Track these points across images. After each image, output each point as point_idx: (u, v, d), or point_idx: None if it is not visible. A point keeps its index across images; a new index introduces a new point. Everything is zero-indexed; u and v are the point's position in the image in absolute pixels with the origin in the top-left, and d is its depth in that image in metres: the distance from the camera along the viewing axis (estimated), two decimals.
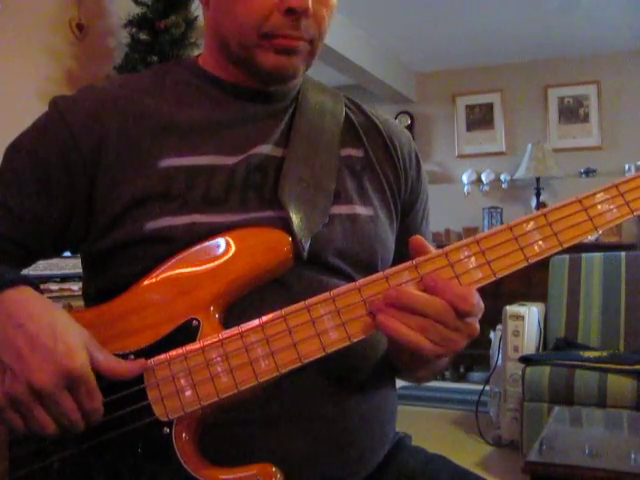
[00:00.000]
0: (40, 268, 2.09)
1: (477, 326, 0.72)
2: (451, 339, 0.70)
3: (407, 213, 0.95)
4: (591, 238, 4.09)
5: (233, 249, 0.76)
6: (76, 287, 2.12)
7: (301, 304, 0.71)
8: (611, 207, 0.71)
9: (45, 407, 0.67)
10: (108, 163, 0.81)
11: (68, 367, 0.67)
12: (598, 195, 0.72)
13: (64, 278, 2.18)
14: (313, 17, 0.81)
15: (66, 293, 2.12)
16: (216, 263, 0.76)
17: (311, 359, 0.70)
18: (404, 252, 0.85)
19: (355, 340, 0.70)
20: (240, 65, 0.85)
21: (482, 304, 0.72)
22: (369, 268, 0.84)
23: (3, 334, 0.69)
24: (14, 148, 0.85)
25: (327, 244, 0.82)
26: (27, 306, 0.71)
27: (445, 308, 0.69)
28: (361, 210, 0.87)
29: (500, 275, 0.71)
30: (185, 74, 0.89)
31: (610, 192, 0.72)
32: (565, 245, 0.71)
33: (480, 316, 0.73)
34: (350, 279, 0.82)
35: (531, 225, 0.71)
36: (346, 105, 0.95)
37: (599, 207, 0.71)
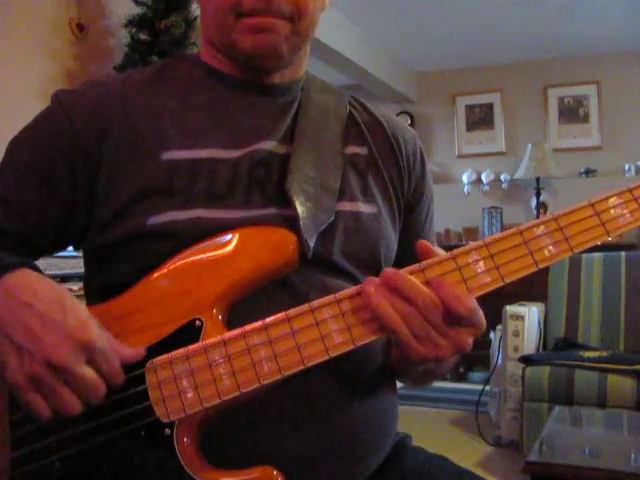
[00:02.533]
0: (40, 268, 2.08)
1: (469, 341, 0.70)
2: (435, 342, 0.69)
3: (411, 211, 0.95)
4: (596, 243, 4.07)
5: (237, 248, 0.76)
6: (76, 287, 2.12)
7: (305, 306, 0.70)
8: (624, 212, 0.70)
9: (67, 383, 0.67)
10: (110, 157, 0.81)
11: (83, 339, 0.67)
12: (611, 199, 0.70)
13: (64, 278, 2.17)
14: None
15: None
16: (220, 262, 0.75)
17: (314, 362, 0.69)
18: (407, 251, 0.85)
19: (359, 344, 0.70)
20: (226, 54, 0.87)
21: (483, 322, 0.70)
22: (372, 266, 0.83)
23: (12, 316, 0.68)
24: (15, 143, 0.85)
25: (331, 243, 0.82)
26: (31, 286, 0.70)
27: (434, 303, 0.68)
28: (364, 208, 0.87)
29: (509, 280, 0.70)
30: (187, 68, 0.90)
31: (623, 196, 0.70)
32: (576, 250, 0.70)
33: (476, 334, 0.71)
34: (353, 278, 0.82)
35: (541, 229, 0.70)
36: (350, 103, 0.95)
37: (612, 212, 0.70)
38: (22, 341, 0.67)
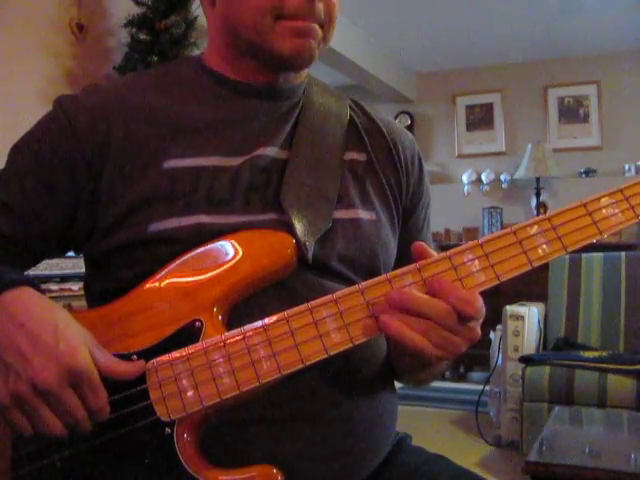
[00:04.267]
0: (40, 268, 2.09)
1: (479, 331, 0.72)
2: (453, 342, 0.70)
3: (409, 216, 0.95)
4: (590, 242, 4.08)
5: (237, 251, 0.76)
6: (76, 287, 2.12)
7: (304, 306, 0.71)
8: (616, 211, 0.71)
9: (50, 406, 0.67)
10: (112, 163, 0.81)
11: (70, 365, 0.67)
12: (603, 199, 0.71)
13: (64, 278, 2.18)
14: (324, 1, 0.83)
15: (66, 293, 2.12)
16: (220, 265, 0.76)
17: (313, 361, 0.70)
18: (405, 256, 0.85)
19: (357, 343, 0.70)
20: (254, 56, 0.85)
21: (484, 309, 0.71)
22: (371, 272, 0.83)
23: (5, 335, 0.69)
24: (17, 149, 0.85)
25: (330, 249, 0.82)
26: (28, 306, 0.71)
27: (448, 311, 0.68)
28: (363, 214, 0.87)
29: (504, 279, 0.71)
30: (190, 72, 0.89)
31: (615, 196, 0.71)
32: (569, 249, 0.71)
33: (482, 320, 0.72)
34: (352, 282, 0.82)
35: (535, 229, 0.71)
36: (350, 107, 0.95)
37: (604, 211, 0.71)
38: (10, 360, 0.68)
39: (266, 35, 0.82)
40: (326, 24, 0.84)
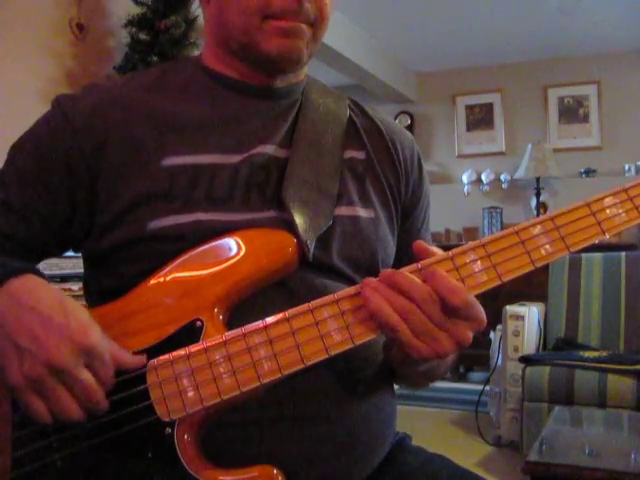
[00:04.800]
0: (40, 268, 2.08)
1: (468, 335, 0.70)
2: (433, 335, 0.68)
3: (408, 216, 0.95)
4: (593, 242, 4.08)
5: (238, 250, 0.76)
6: (76, 287, 2.12)
7: (305, 306, 0.71)
8: (620, 211, 0.71)
9: (67, 386, 0.68)
10: (111, 161, 0.81)
11: (84, 342, 0.67)
12: (607, 199, 0.71)
13: (64, 278, 2.17)
14: (314, 0, 0.82)
15: (66, 293, 2.11)
16: (221, 264, 0.76)
17: (314, 361, 0.70)
18: (404, 256, 0.86)
19: (358, 343, 0.70)
20: (243, 56, 0.85)
21: (483, 317, 0.70)
22: (370, 270, 0.83)
23: (15, 319, 0.69)
24: (16, 148, 0.85)
25: (329, 247, 0.82)
26: (35, 290, 0.71)
27: (431, 297, 0.68)
28: (362, 212, 0.87)
29: (506, 279, 0.70)
30: (188, 71, 0.89)
31: (619, 196, 0.71)
32: (572, 249, 0.70)
33: (476, 329, 0.70)
34: (352, 281, 0.83)
35: (538, 229, 0.71)
36: (349, 107, 0.95)
37: (607, 211, 0.71)
38: (24, 343, 0.68)
39: (253, 35, 0.81)
40: (317, 23, 0.84)
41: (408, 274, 0.69)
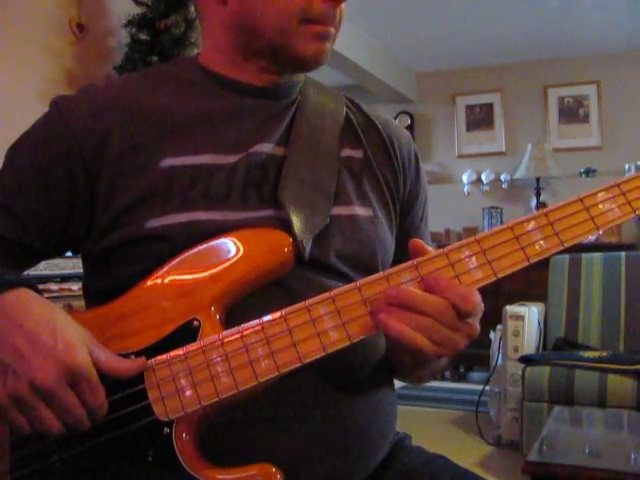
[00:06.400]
0: (40, 268, 2.09)
1: (477, 327, 0.72)
2: (451, 339, 0.70)
3: (406, 214, 0.95)
4: (591, 238, 4.09)
5: (234, 250, 0.76)
6: (76, 287, 2.12)
7: (301, 304, 0.71)
8: (613, 206, 0.71)
9: (49, 405, 0.68)
10: (109, 163, 0.81)
11: (69, 364, 0.67)
12: (600, 194, 0.71)
13: (64, 278, 2.17)
14: (339, 7, 0.84)
15: (66, 293, 2.11)
16: (217, 264, 0.76)
17: (311, 359, 0.70)
18: (403, 254, 0.85)
19: (355, 340, 0.70)
20: (269, 56, 0.85)
21: (482, 304, 0.71)
22: (369, 269, 0.83)
23: (3, 335, 0.69)
24: (14, 150, 0.85)
25: (327, 245, 0.82)
26: (26, 307, 0.71)
27: (446, 307, 0.68)
28: (360, 211, 0.87)
29: (501, 275, 0.71)
30: (185, 71, 0.89)
31: (612, 191, 0.71)
32: (566, 244, 0.70)
33: (480, 316, 0.73)
34: (350, 280, 0.82)
35: (532, 225, 0.71)
36: (346, 105, 0.95)
37: (601, 206, 0.71)
38: (9, 360, 0.68)
39: (290, 37, 0.82)
40: (338, 28, 0.86)
41: (413, 290, 0.69)
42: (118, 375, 0.71)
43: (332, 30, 0.84)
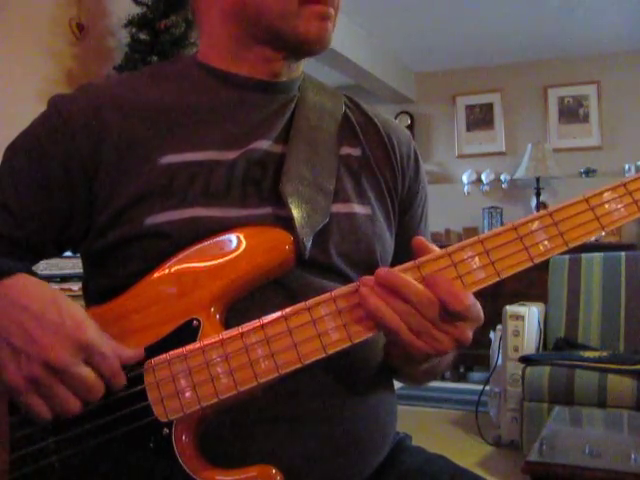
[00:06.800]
0: (40, 268, 2.08)
1: (469, 334, 0.70)
2: (432, 335, 0.69)
3: (405, 212, 0.95)
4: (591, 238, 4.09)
5: (234, 249, 0.76)
6: (76, 287, 2.12)
7: (302, 304, 0.70)
8: (618, 206, 0.70)
9: (65, 384, 0.67)
10: (108, 161, 0.81)
11: (80, 338, 0.67)
12: (605, 194, 0.70)
13: (64, 278, 2.17)
14: None
15: (66, 293, 2.11)
16: (217, 263, 0.75)
17: (311, 360, 0.69)
18: (403, 253, 0.85)
19: (356, 341, 0.70)
20: (271, 42, 0.85)
21: (480, 313, 0.70)
22: (368, 268, 0.83)
23: (9, 320, 0.69)
24: (12, 148, 0.85)
25: (326, 243, 0.82)
26: (27, 289, 0.71)
27: (430, 300, 0.68)
28: (359, 209, 0.87)
29: (504, 275, 0.70)
30: (184, 68, 0.89)
31: (618, 191, 0.70)
32: (571, 245, 0.70)
33: (476, 325, 0.71)
34: (349, 279, 0.82)
35: (536, 225, 0.70)
36: (345, 104, 0.95)
37: (606, 206, 0.70)
38: (19, 343, 0.68)
39: (291, 19, 0.83)
40: (336, 10, 0.87)
41: (403, 276, 0.69)
42: (120, 359, 0.70)
43: (332, 10, 0.85)
